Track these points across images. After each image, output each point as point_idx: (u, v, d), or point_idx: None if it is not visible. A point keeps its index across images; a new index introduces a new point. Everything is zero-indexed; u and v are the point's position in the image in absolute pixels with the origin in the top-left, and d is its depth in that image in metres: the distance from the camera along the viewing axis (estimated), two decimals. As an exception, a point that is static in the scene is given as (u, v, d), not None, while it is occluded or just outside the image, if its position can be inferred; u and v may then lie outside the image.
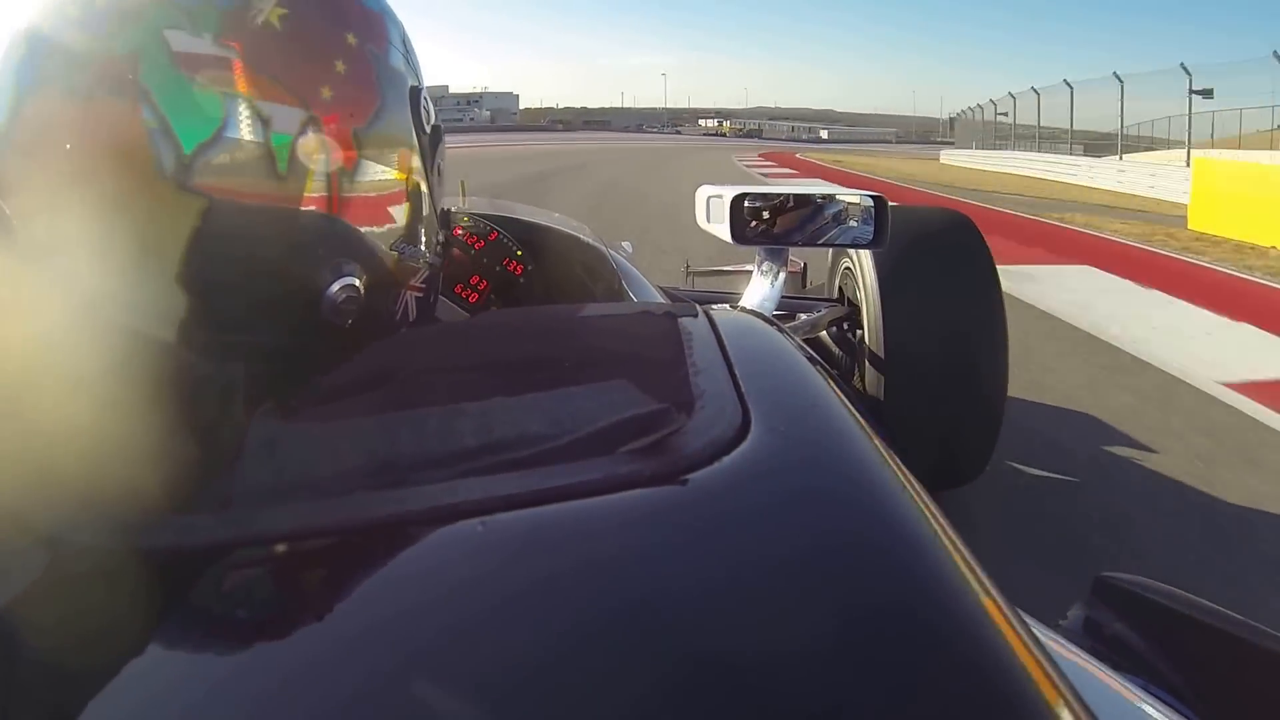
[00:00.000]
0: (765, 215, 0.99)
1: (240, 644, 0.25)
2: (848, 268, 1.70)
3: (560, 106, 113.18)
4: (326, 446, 0.32)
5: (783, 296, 1.01)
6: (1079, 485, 1.90)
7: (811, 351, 0.52)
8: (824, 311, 1.65)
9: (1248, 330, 3.38)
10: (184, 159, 0.40)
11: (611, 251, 1.14)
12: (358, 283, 0.47)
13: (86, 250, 0.40)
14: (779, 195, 1.00)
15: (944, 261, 1.54)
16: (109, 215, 0.40)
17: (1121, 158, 13.11)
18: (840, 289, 1.79)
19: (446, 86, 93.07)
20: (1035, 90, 16.32)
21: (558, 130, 61.10)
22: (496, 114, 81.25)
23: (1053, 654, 0.26)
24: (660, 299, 1.16)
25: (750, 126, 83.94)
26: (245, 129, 0.42)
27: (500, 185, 8.45)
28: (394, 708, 0.21)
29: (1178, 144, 13.32)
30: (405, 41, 0.52)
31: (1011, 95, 17.70)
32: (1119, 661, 0.50)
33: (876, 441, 0.36)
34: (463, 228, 0.90)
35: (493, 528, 0.27)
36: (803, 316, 1.59)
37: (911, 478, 0.33)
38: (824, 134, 74.66)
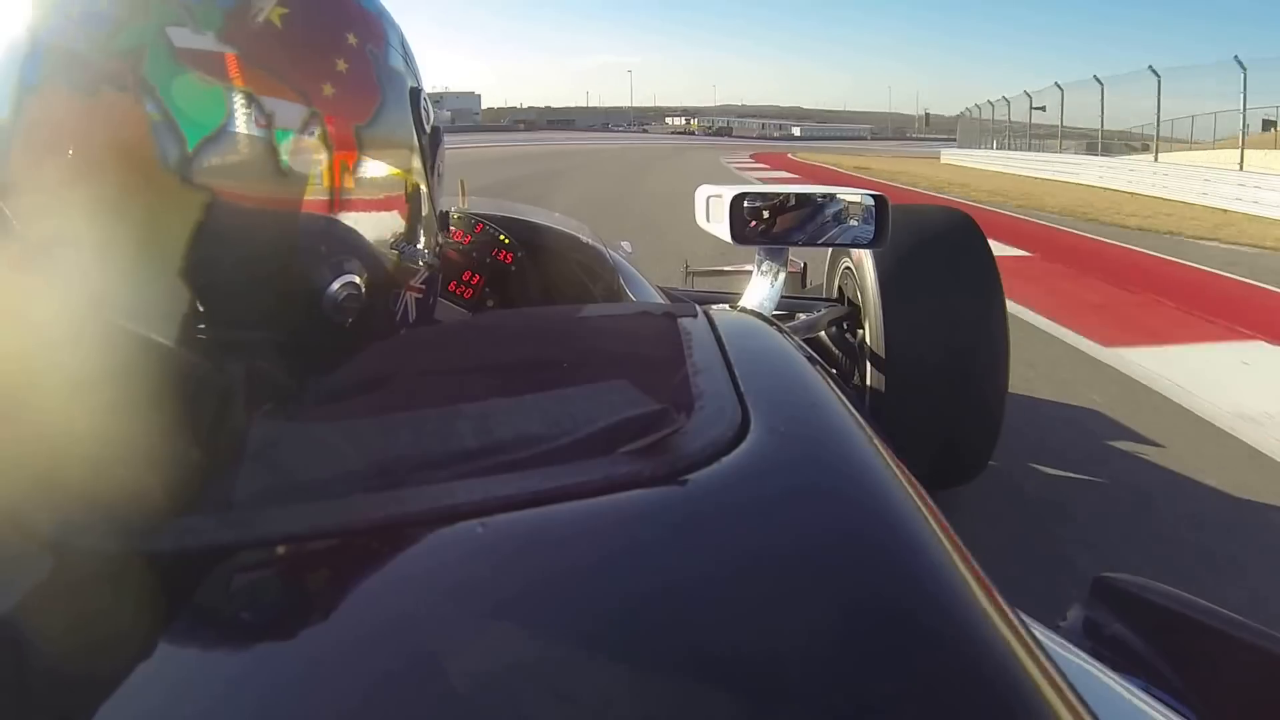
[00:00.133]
0: (765, 215, 0.99)
1: (243, 645, 0.25)
2: (848, 267, 1.70)
3: (524, 106, 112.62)
4: (328, 448, 0.33)
5: (782, 296, 1.01)
6: None
7: (811, 351, 0.52)
8: (824, 311, 1.65)
9: None
10: (187, 155, 0.41)
11: (611, 251, 1.14)
12: (359, 281, 0.48)
13: (88, 247, 0.40)
14: (779, 195, 1.00)
15: (945, 261, 1.54)
16: (111, 212, 0.40)
17: (1157, 158, 11.86)
18: (840, 289, 1.79)
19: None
20: (1059, 86, 15.36)
21: (519, 130, 60.43)
22: (458, 114, 79.85)
23: (1052, 654, 0.26)
24: (659, 299, 1.16)
25: (719, 124, 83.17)
26: (248, 125, 0.42)
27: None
28: (396, 708, 0.21)
29: (1200, 144, 12.40)
30: (404, 43, 0.53)
31: (1028, 93, 17.05)
32: (1119, 662, 0.50)
33: (876, 441, 0.36)
34: (450, 225, 0.90)
35: (493, 528, 0.27)
36: (802, 316, 1.60)
37: (911, 478, 0.33)
38: (796, 131, 73.47)
